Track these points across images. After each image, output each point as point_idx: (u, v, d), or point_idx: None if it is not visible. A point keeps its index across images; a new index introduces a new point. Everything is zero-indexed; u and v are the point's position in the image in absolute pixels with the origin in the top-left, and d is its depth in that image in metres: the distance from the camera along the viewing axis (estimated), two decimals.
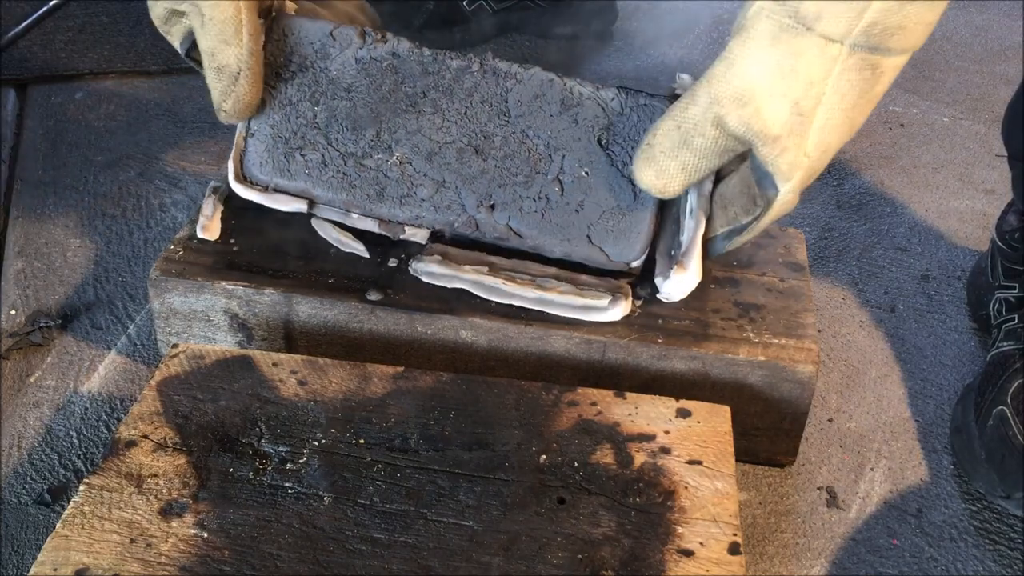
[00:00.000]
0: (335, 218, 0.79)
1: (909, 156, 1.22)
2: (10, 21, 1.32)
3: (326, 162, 0.77)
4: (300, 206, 0.78)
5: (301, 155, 0.78)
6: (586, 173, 0.75)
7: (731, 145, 0.68)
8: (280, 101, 0.78)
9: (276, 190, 0.78)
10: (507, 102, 0.76)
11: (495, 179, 0.76)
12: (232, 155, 0.79)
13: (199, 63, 0.76)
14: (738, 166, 0.73)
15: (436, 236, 0.78)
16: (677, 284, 0.74)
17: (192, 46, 0.76)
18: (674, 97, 0.74)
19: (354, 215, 0.78)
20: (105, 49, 1.31)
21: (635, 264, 0.76)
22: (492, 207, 0.76)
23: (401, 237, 0.78)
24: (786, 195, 0.69)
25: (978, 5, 1.60)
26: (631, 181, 0.74)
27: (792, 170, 0.67)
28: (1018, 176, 0.90)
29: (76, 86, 1.24)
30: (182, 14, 0.74)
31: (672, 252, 0.75)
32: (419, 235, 0.78)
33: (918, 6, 0.62)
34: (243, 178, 0.79)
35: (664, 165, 0.69)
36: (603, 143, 0.75)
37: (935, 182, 1.17)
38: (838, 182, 1.16)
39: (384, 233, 0.78)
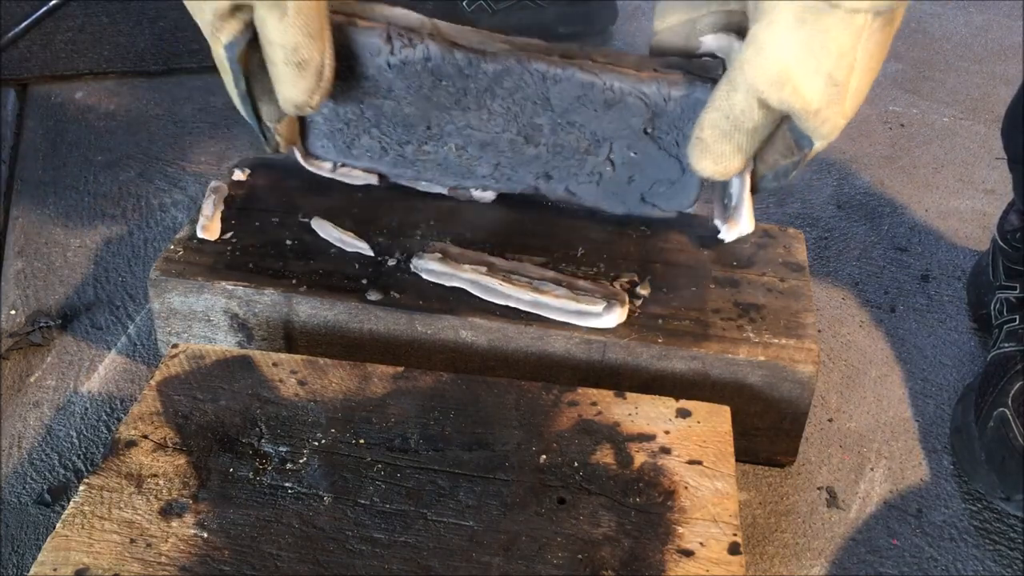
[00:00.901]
0: (406, 183, 0.82)
1: (909, 156, 1.22)
2: (10, 21, 1.32)
3: (385, 148, 0.79)
4: (371, 179, 0.82)
5: (360, 142, 0.79)
6: (635, 154, 0.77)
7: (776, 118, 0.70)
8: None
9: (344, 166, 0.82)
10: (549, 100, 0.76)
11: (549, 161, 0.78)
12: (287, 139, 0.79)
13: (242, 63, 0.72)
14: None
15: (504, 195, 0.82)
16: (733, 234, 0.77)
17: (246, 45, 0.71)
18: (703, 69, 0.74)
19: (423, 183, 0.82)
20: (105, 49, 1.31)
21: (688, 210, 0.80)
22: (549, 178, 0.79)
23: (470, 197, 0.83)
24: (823, 145, 0.71)
25: (978, 5, 1.60)
26: (679, 158, 0.76)
27: (832, 131, 0.70)
28: (1018, 179, 0.90)
29: (76, 86, 1.24)
30: (244, 8, 0.70)
31: (724, 201, 0.77)
32: (487, 196, 0.82)
33: None
34: (308, 156, 0.81)
35: (719, 151, 0.71)
36: (649, 132, 0.76)
37: (935, 182, 1.17)
38: (838, 182, 1.16)
39: (453, 195, 0.83)
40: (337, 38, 0.72)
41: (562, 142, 0.77)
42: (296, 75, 0.71)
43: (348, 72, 0.76)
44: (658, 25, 0.77)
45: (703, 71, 0.73)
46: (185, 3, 0.71)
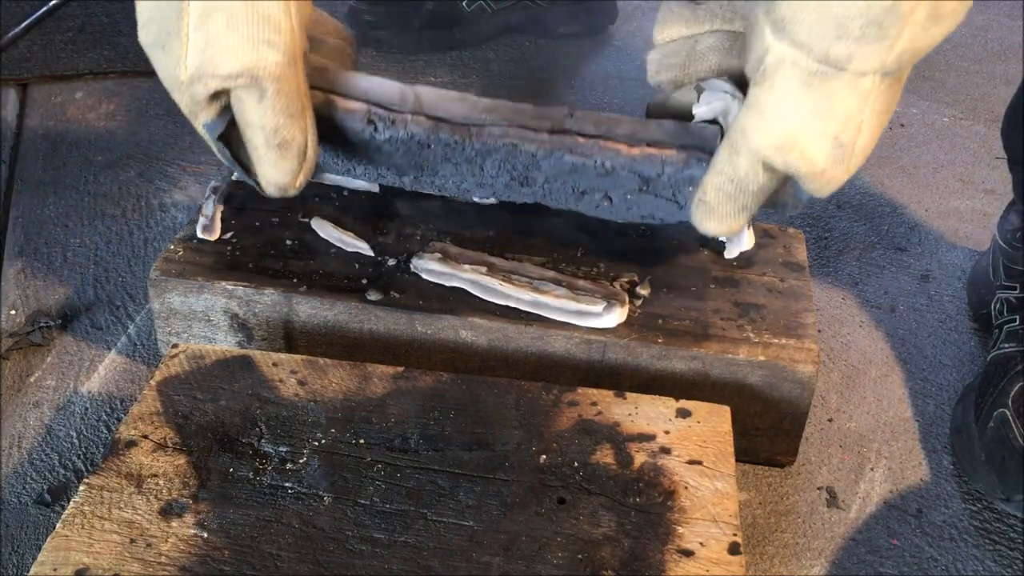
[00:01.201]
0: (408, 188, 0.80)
1: (909, 156, 1.22)
2: (10, 21, 1.32)
3: (383, 176, 0.77)
4: (372, 187, 0.86)
5: (355, 172, 0.77)
6: (631, 197, 0.74)
7: (781, 178, 0.69)
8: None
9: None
10: (541, 168, 0.74)
11: (546, 196, 0.76)
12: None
13: (226, 145, 0.71)
14: None
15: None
16: (734, 251, 0.81)
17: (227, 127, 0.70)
18: (701, 140, 0.72)
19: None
20: (105, 49, 1.31)
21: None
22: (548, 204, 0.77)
23: (473, 200, 0.84)
24: (823, 197, 0.71)
25: (978, 5, 1.59)
26: (677, 202, 0.74)
27: (834, 187, 0.69)
28: (1019, 179, 0.90)
29: (76, 86, 1.24)
30: (223, 93, 0.68)
31: None
32: (489, 201, 0.83)
33: (943, 25, 0.61)
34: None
35: (724, 213, 0.70)
36: (644, 190, 0.75)
37: (935, 182, 1.17)
38: None
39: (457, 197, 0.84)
40: (318, 110, 0.71)
41: (557, 188, 0.75)
42: (278, 157, 0.69)
43: (332, 137, 0.74)
44: (657, 36, 0.76)
45: (701, 142, 0.72)
46: (163, 83, 0.69)
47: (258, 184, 0.72)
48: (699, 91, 0.72)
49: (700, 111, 0.72)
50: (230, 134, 0.70)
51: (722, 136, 0.70)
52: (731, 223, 0.70)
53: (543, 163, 0.73)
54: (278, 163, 0.69)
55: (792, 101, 0.64)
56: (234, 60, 0.66)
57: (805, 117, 0.65)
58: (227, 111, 0.69)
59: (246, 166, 0.71)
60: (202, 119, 0.69)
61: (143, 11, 0.68)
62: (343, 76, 0.74)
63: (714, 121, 0.72)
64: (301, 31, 0.68)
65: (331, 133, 0.73)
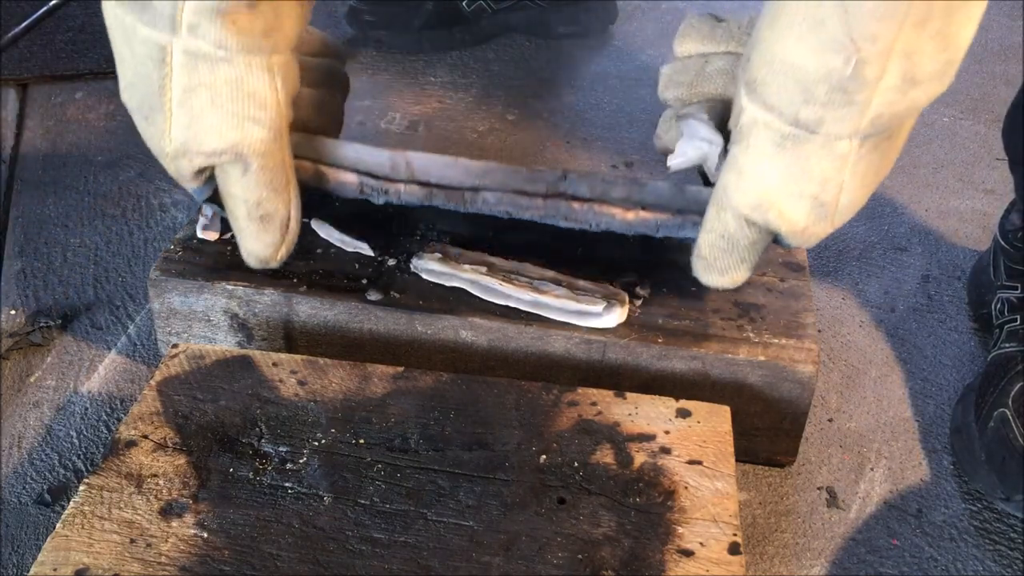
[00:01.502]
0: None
1: (909, 156, 1.22)
2: (10, 21, 1.32)
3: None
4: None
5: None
6: (633, 238, 0.77)
7: (769, 236, 0.69)
8: None
9: None
10: (537, 223, 0.77)
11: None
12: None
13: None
14: None
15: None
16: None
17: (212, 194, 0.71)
18: (696, 203, 0.73)
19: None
20: (105, 49, 1.30)
21: None
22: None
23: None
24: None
25: None
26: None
27: (818, 240, 0.68)
28: (1020, 181, 0.90)
29: (76, 86, 1.24)
30: (206, 168, 0.69)
31: None
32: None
33: (923, 88, 0.59)
34: None
35: (723, 266, 0.70)
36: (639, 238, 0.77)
37: (935, 182, 1.17)
38: None
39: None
40: (309, 181, 0.72)
41: (561, 231, 0.76)
42: (260, 230, 0.69)
43: (325, 204, 0.76)
44: (677, 49, 0.76)
45: (697, 205, 0.72)
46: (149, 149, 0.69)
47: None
48: (681, 124, 0.73)
49: (675, 163, 0.73)
50: (219, 195, 0.71)
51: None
52: (732, 275, 0.70)
53: (538, 226, 0.75)
54: (260, 235, 0.70)
55: (767, 162, 0.63)
56: (218, 138, 0.66)
57: (780, 178, 0.63)
58: (212, 181, 0.70)
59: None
60: (189, 188, 0.70)
61: (123, 74, 0.67)
62: (331, 145, 0.75)
63: (704, 177, 0.74)
64: (287, 104, 0.67)
65: (324, 201, 0.75)
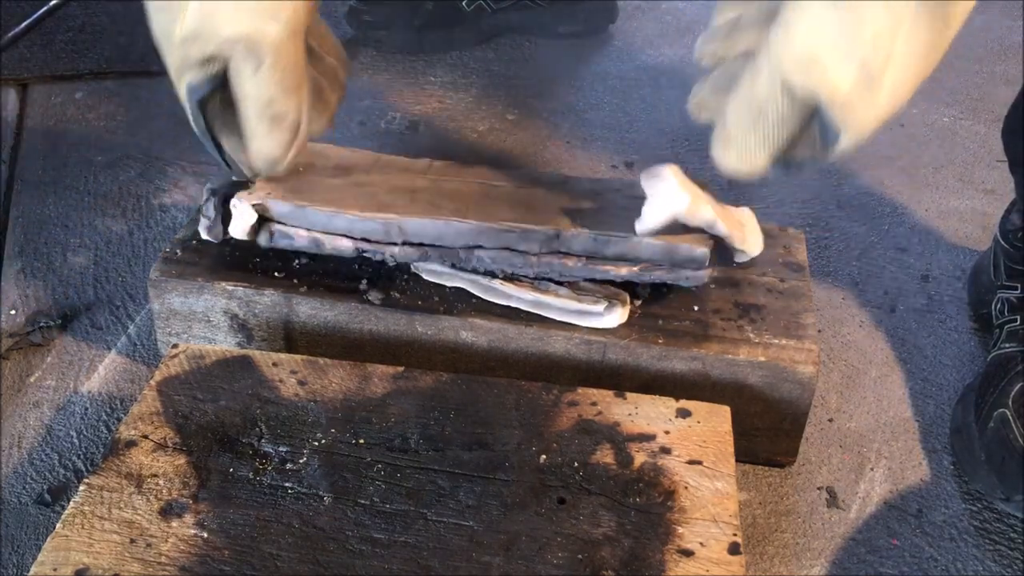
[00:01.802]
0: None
1: (909, 156, 1.22)
2: (10, 21, 1.32)
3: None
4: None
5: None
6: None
7: (805, 109, 0.65)
8: None
9: None
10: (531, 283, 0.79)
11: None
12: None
13: (205, 114, 0.70)
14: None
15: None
16: (742, 258, 0.82)
17: (208, 96, 0.69)
18: (692, 262, 0.76)
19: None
20: (105, 49, 1.31)
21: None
22: None
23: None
24: (848, 147, 0.66)
25: (978, 5, 1.58)
26: None
27: (861, 126, 0.64)
28: (1020, 182, 0.90)
29: (76, 86, 1.24)
30: (217, 59, 0.67)
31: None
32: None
33: None
34: None
35: (744, 143, 0.66)
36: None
37: (935, 182, 1.17)
38: (838, 182, 1.16)
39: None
40: (307, 248, 0.75)
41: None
42: (270, 129, 0.69)
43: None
44: (716, 20, 0.73)
45: (692, 262, 0.75)
46: (155, 39, 0.68)
47: (228, 163, 0.72)
48: (645, 184, 0.75)
49: (643, 227, 0.73)
50: (208, 108, 0.69)
51: (712, 251, 0.76)
52: (752, 159, 0.66)
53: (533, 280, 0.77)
54: (270, 134, 0.69)
55: (819, 15, 0.61)
56: (235, 25, 0.65)
57: (831, 35, 0.61)
58: (213, 80, 0.68)
59: (217, 142, 0.72)
60: (187, 79, 0.68)
61: None
62: (324, 216, 0.76)
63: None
64: (305, 10, 0.67)
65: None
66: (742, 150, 0.66)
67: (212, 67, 0.68)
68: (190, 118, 0.71)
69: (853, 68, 0.62)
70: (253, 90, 0.67)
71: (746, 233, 0.81)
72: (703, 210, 0.75)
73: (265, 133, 0.69)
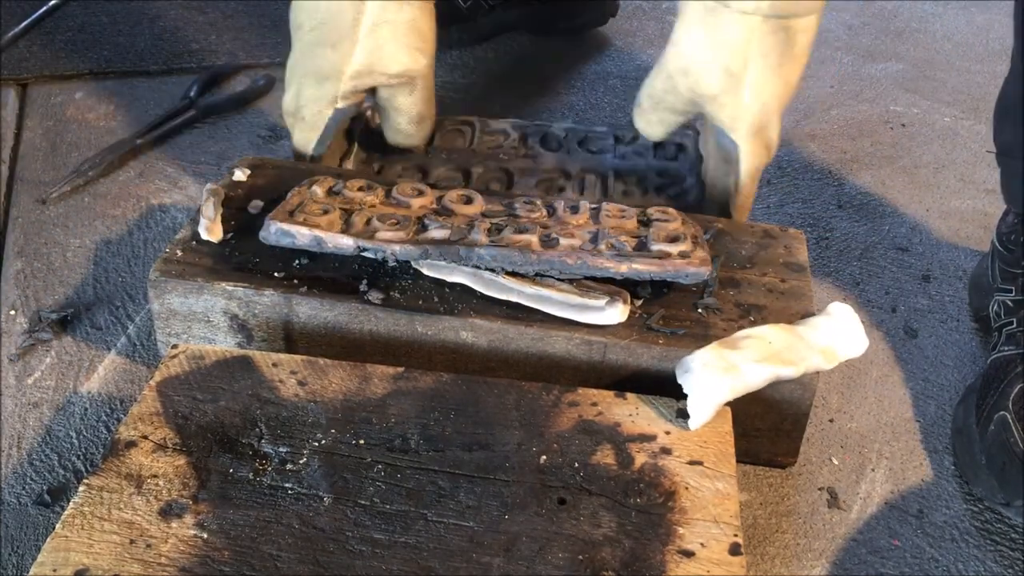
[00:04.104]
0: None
1: (910, 156, 1.22)
2: (10, 21, 1.32)
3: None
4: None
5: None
6: None
7: (689, 104, 0.87)
8: None
9: None
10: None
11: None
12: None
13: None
14: (708, 140, 0.92)
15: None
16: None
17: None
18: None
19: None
20: (105, 49, 1.31)
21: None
22: None
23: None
24: (744, 146, 0.86)
25: (979, 5, 1.60)
26: None
27: (734, 121, 0.84)
28: (1005, 173, 0.90)
29: (76, 86, 1.24)
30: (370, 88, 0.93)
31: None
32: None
33: None
34: None
35: (647, 118, 0.92)
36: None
37: (936, 182, 1.17)
38: (839, 182, 1.16)
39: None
40: (309, 247, 0.78)
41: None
42: (418, 130, 0.97)
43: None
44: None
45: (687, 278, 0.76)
46: (305, 73, 0.91)
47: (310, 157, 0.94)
48: (682, 378, 0.71)
49: (695, 425, 0.69)
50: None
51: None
52: (651, 129, 0.92)
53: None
54: (417, 133, 0.97)
55: (692, 31, 0.82)
56: (399, 64, 0.90)
57: (701, 45, 0.82)
58: (355, 105, 0.93)
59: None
60: (341, 104, 0.91)
61: (316, 12, 0.88)
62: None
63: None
64: (434, 40, 0.93)
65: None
66: (647, 121, 0.92)
67: (362, 95, 0.93)
68: (316, 131, 0.93)
69: (717, 71, 0.82)
70: (408, 107, 0.94)
71: (833, 344, 0.75)
72: (752, 377, 0.70)
73: (415, 132, 0.97)
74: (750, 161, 0.86)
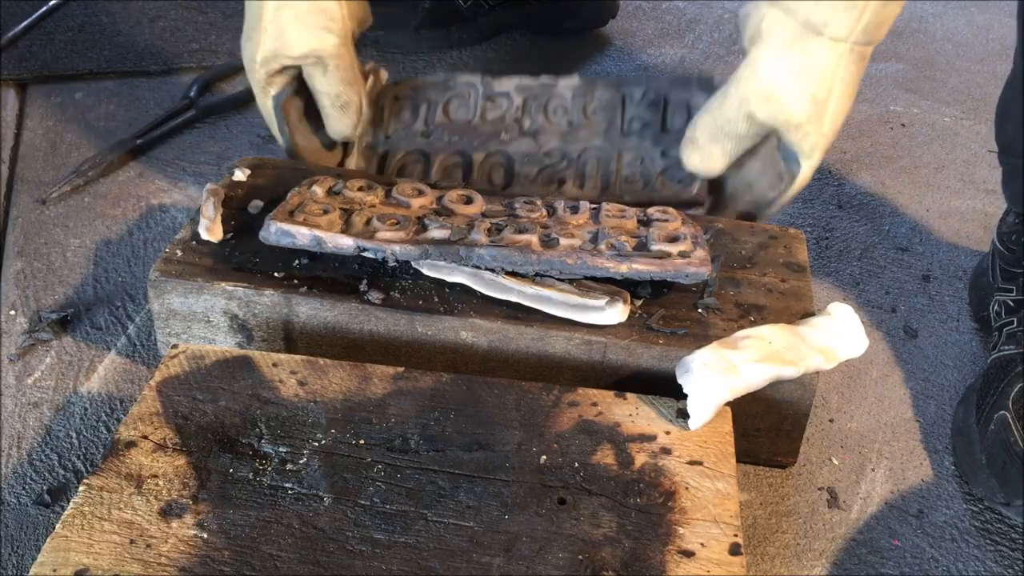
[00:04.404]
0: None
1: (910, 156, 1.22)
2: (10, 21, 1.32)
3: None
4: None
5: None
6: None
7: (760, 131, 0.84)
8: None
9: None
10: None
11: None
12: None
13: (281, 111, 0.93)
14: (758, 151, 0.88)
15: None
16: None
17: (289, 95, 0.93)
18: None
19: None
20: (105, 49, 1.31)
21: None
22: None
23: None
24: (807, 171, 0.84)
25: (979, 5, 1.60)
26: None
27: (813, 150, 0.82)
28: (1006, 173, 0.90)
29: (76, 86, 1.24)
30: (291, 68, 0.91)
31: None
32: None
33: (894, 4, 0.77)
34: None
35: (707, 151, 0.86)
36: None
37: (936, 182, 1.17)
38: (839, 182, 1.16)
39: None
40: (309, 247, 0.77)
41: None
42: (341, 115, 0.93)
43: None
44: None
45: (686, 278, 0.76)
46: (244, 62, 0.92)
47: (291, 154, 0.95)
48: (681, 377, 0.71)
49: (695, 425, 0.69)
50: (287, 109, 0.93)
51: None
52: (711, 163, 0.86)
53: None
54: (341, 119, 0.94)
55: (779, 57, 0.79)
56: (302, 44, 0.89)
57: (788, 72, 0.79)
58: (291, 84, 0.92)
59: (290, 134, 0.94)
60: (271, 91, 0.92)
61: (247, 12, 0.90)
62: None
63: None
64: (351, 18, 0.91)
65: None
66: (705, 155, 0.86)
67: (286, 76, 0.91)
68: (273, 121, 0.94)
69: (806, 99, 0.80)
70: (324, 87, 0.92)
71: (833, 344, 0.75)
72: (752, 377, 0.70)
73: (338, 117, 0.93)
74: (802, 182, 0.86)
